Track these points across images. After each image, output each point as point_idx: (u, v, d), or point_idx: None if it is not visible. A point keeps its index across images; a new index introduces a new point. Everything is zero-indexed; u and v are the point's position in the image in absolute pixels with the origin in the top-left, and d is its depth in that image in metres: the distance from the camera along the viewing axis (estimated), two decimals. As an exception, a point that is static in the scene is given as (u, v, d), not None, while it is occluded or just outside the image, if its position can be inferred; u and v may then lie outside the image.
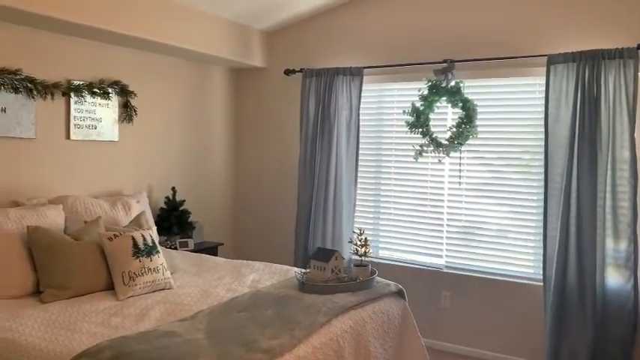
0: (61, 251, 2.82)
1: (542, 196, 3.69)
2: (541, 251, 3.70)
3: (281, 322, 2.41)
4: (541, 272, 3.67)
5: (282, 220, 4.79)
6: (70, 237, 2.97)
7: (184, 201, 4.30)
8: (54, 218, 3.12)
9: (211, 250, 4.37)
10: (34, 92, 3.38)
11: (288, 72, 4.59)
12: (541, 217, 3.72)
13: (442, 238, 4.18)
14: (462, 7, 3.98)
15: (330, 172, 4.34)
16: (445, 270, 4.14)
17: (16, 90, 3.29)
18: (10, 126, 3.29)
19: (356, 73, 4.26)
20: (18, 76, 3.29)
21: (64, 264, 2.80)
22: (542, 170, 3.70)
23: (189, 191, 4.52)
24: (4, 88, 3.23)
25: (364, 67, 4.25)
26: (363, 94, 4.28)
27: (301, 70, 4.50)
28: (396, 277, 3.76)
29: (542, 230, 3.67)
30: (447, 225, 4.16)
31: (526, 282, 3.84)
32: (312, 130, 4.44)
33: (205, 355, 2.01)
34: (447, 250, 4.17)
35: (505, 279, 3.91)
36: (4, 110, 3.25)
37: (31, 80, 3.36)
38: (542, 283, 3.65)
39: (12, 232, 2.84)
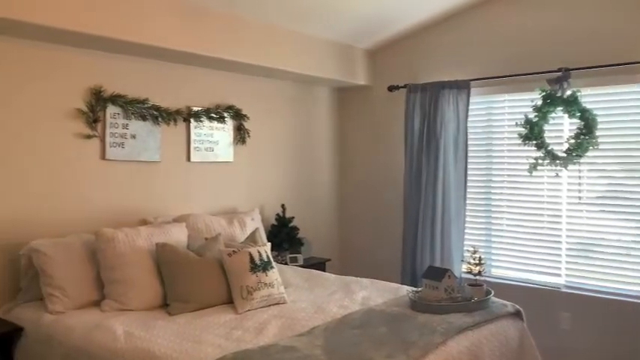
0: (185, 266, 3.02)
1: (675, 211, 3.38)
2: (676, 271, 3.39)
3: (396, 341, 2.40)
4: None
5: (389, 237, 4.77)
6: (193, 253, 3.17)
7: (293, 218, 4.43)
8: (178, 235, 3.34)
9: (319, 265, 4.46)
10: (159, 119, 3.68)
11: (392, 88, 4.61)
12: (675, 234, 3.41)
13: (560, 255, 3.95)
14: (577, 12, 3.78)
15: (438, 187, 4.27)
16: (564, 290, 3.90)
17: (143, 118, 3.60)
18: (140, 151, 3.60)
19: (463, 86, 4.18)
20: (145, 105, 3.60)
21: (189, 278, 2.99)
22: (675, 182, 3.39)
23: (297, 208, 4.66)
24: (134, 116, 3.55)
25: (471, 80, 4.16)
26: (470, 107, 4.19)
27: (405, 86, 4.49)
28: (509, 296, 3.57)
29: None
30: (567, 242, 3.92)
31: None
32: (418, 146, 4.40)
33: (325, 371, 2.05)
34: (566, 268, 3.93)
35: (632, 300, 3.61)
36: (134, 137, 3.56)
37: (157, 108, 3.66)
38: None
39: (143, 249, 3.09)
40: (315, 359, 2.17)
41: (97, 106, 3.36)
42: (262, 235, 3.68)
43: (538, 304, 3.92)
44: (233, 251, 3.11)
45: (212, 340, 2.47)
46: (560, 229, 3.95)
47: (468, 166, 4.23)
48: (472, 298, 2.90)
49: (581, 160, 3.69)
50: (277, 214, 4.42)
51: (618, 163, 3.71)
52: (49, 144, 3.20)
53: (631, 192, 3.67)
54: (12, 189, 3.06)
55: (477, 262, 3.03)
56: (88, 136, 3.35)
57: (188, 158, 3.91)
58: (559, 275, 3.95)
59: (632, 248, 3.66)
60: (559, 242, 3.95)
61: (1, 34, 2.95)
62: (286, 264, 4.16)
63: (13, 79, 3.04)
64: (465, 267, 3.17)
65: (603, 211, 3.78)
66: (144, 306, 2.95)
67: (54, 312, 2.84)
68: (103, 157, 3.43)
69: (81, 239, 3.13)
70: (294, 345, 2.32)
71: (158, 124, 3.68)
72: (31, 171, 3.13)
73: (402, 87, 4.54)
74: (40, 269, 2.94)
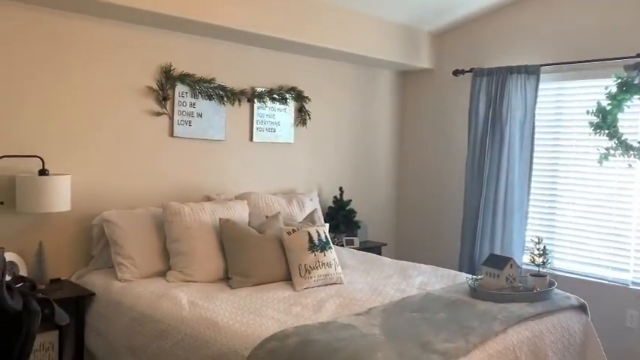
0: (247, 242, 3.10)
1: None
2: None
3: (455, 326, 2.38)
4: None
5: (447, 224, 4.71)
6: (254, 230, 3.25)
7: (350, 201, 4.44)
8: (240, 212, 3.43)
9: (375, 249, 4.45)
10: (225, 99, 3.76)
11: (457, 72, 4.51)
12: None
13: (629, 250, 3.78)
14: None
15: (501, 175, 4.17)
16: (632, 286, 3.74)
17: (210, 97, 3.69)
18: (206, 129, 3.69)
19: (531, 72, 4.04)
20: (212, 85, 3.68)
21: (250, 254, 3.07)
22: None
23: (355, 191, 4.66)
24: (201, 95, 3.64)
25: (541, 65, 4.01)
26: (539, 93, 4.04)
27: (471, 70, 4.39)
28: (572, 290, 3.46)
29: None
30: (637, 237, 3.75)
31: None
32: (482, 132, 4.30)
33: (384, 350, 2.07)
34: (635, 264, 3.76)
35: None
36: (200, 115, 3.66)
37: (223, 88, 3.74)
38: None
39: (207, 223, 3.19)
40: (373, 338, 2.19)
41: (166, 84, 3.47)
42: (320, 216, 3.72)
43: (603, 299, 3.78)
44: (293, 230, 3.16)
45: (272, 314, 2.53)
46: (630, 223, 3.78)
47: (534, 155, 4.09)
48: (534, 289, 2.83)
49: (658, 152, 3.51)
50: (335, 197, 4.44)
51: (699, 155, 3.50)
52: (122, 120, 3.34)
53: None
54: (87, 162, 3.22)
55: (541, 252, 2.95)
56: (158, 114, 3.47)
57: (251, 138, 3.98)
58: (627, 271, 3.79)
59: None
60: (628, 237, 3.79)
61: (80, 13, 3.09)
62: (342, 246, 4.19)
63: (91, 56, 3.18)
64: (528, 257, 3.09)
65: (679, 206, 3.60)
66: (206, 278, 3.05)
67: (123, 280, 2.99)
68: (171, 134, 3.54)
69: (149, 212, 3.26)
70: (353, 323, 2.35)
71: (223, 103, 3.77)
72: (105, 145, 3.28)
73: (467, 71, 4.43)
74: (110, 239, 3.09)
